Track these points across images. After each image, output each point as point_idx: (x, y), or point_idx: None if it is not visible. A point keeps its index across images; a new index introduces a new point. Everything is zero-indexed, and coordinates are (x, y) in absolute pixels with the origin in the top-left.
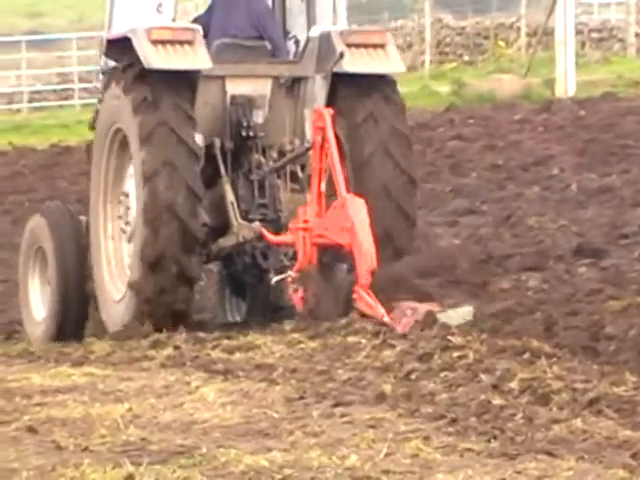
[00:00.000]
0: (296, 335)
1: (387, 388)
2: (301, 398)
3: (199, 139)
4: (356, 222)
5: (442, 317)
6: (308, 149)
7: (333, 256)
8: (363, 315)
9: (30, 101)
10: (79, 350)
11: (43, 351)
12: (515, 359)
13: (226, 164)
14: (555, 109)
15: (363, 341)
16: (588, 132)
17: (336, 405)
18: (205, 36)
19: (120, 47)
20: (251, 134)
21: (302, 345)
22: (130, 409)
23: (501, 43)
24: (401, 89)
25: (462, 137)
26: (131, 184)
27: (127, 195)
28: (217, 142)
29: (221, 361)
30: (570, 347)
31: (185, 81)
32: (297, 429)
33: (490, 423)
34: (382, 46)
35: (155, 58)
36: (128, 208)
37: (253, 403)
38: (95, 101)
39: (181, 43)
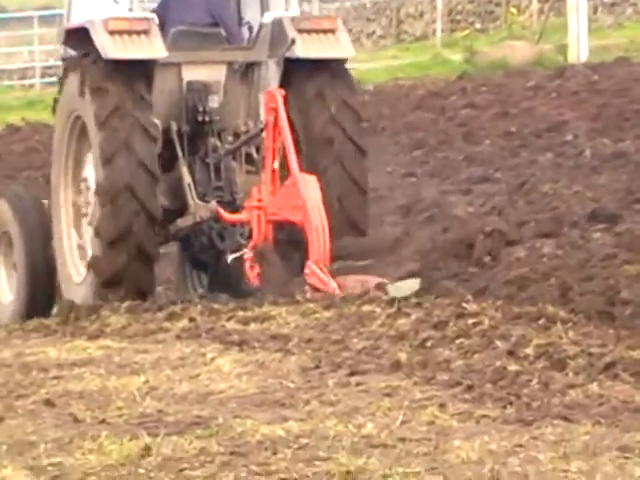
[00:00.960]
0: (311, 305)
1: (402, 356)
2: (316, 367)
3: (156, 124)
4: (307, 199)
5: (391, 289)
6: (262, 130)
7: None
8: (315, 289)
9: (43, 76)
10: (95, 323)
11: (59, 325)
12: (530, 325)
13: (183, 148)
14: (568, 75)
15: (378, 310)
16: (601, 97)
17: (352, 374)
18: (163, 24)
19: (79, 37)
20: (207, 118)
21: (317, 315)
22: (146, 381)
23: (513, 10)
24: (413, 58)
25: (475, 105)
26: (90, 170)
27: (86, 180)
28: (174, 126)
29: (236, 332)
30: (585, 312)
31: (141, 69)
32: (313, 398)
33: (506, 389)
34: (332, 31)
35: (112, 48)
36: (87, 192)
37: (269, 373)
38: None
39: (137, 33)
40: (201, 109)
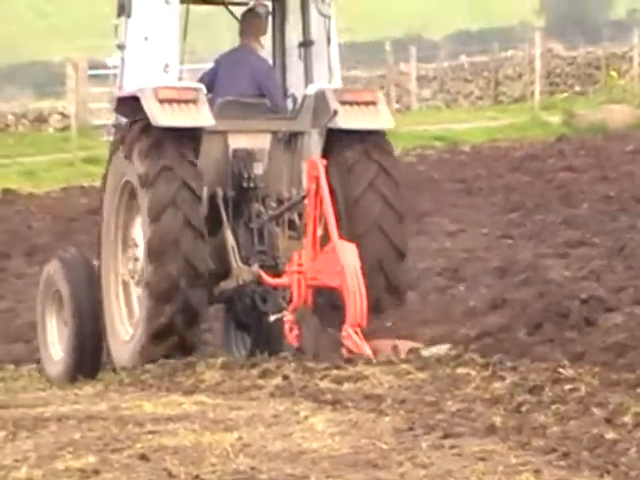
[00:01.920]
0: (405, 366)
1: (497, 420)
2: (410, 429)
3: (201, 184)
4: (345, 265)
5: (424, 352)
6: (304, 197)
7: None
8: (350, 352)
9: None
10: (190, 379)
11: (155, 380)
12: (628, 392)
13: (228, 212)
14: None
15: (472, 372)
16: None
17: (445, 436)
18: (209, 93)
19: (129, 105)
20: (251, 185)
21: (411, 376)
22: (240, 438)
23: (613, 73)
24: (511, 119)
25: (573, 168)
26: (138, 231)
27: (135, 242)
28: (220, 192)
29: (330, 391)
30: None
31: (189, 136)
32: (406, 460)
33: (603, 457)
34: (373, 103)
35: (162, 116)
36: (136, 254)
37: (362, 433)
38: None
39: (186, 102)
40: (246, 176)
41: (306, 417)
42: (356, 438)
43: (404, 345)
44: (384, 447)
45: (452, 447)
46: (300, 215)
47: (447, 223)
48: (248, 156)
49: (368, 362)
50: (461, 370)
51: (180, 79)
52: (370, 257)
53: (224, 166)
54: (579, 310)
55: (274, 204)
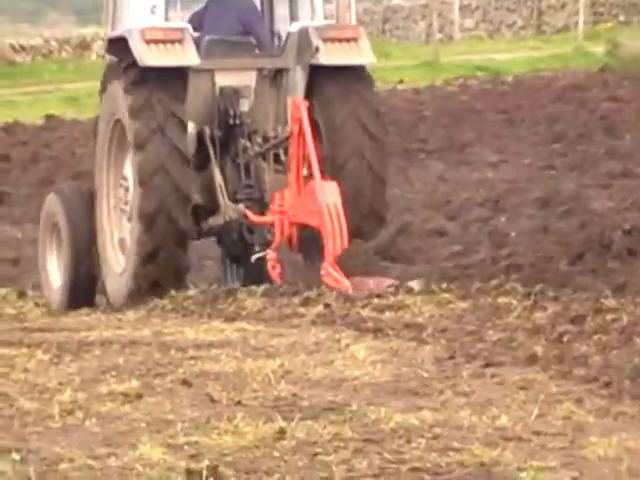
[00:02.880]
0: (446, 295)
1: (538, 350)
2: (451, 358)
3: (191, 127)
4: (323, 206)
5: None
6: (288, 137)
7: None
8: (331, 288)
9: None
10: (231, 306)
11: (197, 306)
12: None
13: (215, 149)
14: None
15: (514, 302)
16: None
17: (486, 365)
18: (198, 31)
19: (119, 45)
20: (237, 122)
21: (452, 305)
22: (281, 365)
23: None
24: (554, 49)
25: (616, 98)
26: (129, 168)
27: (126, 178)
28: (207, 129)
29: (371, 319)
30: None
31: (177, 78)
32: (447, 388)
33: None
34: (355, 40)
35: (148, 56)
36: (127, 189)
37: (403, 362)
38: None
39: (172, 42)
40: (232, 113)
41: (347, 345)
42: (397, 366)
43: (386, 282)
44: (425, 375)
45: (493, 376)
46: (286, 150)
47: (489, 154)
48: (234, 93)
49: (409, 291)
50: (502, 299)
51: (167, 20)
52: (351, 183)
53: (211, 104)
54: (622, 241)
55: (260, 140)
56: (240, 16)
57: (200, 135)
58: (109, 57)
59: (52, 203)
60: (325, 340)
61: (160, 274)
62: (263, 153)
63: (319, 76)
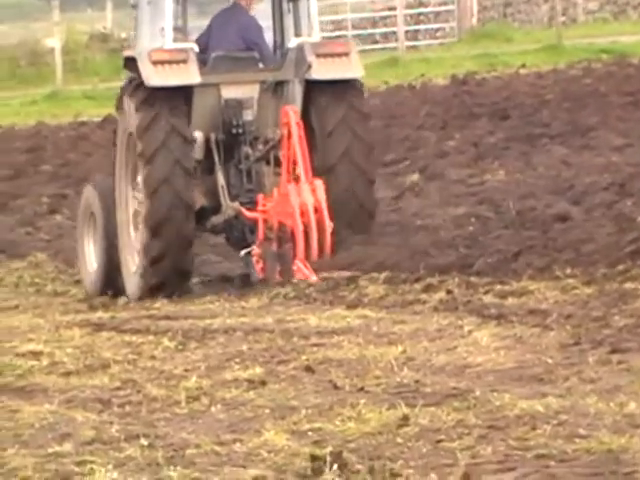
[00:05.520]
0: (571, 281)
1: None
2: (576, 344)
3: (198, 135)
4: (296, 206)
5: None
6: (279, 140)
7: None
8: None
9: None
10: (353, 293)
11: (319, 293)
12: None
13: (219, 155)
14: None
15: None
16: None
17: (613, 352)
18: (205, 50)
19: (132, 64)
20: (241, 130)
21: (577, 291)
22: (404, 351)
23: None
24: None
25: None
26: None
27: (140, 186)
28: (213, 137)
29: (494, 306)
30: None
31: (181, 96)
32: (572, 375)
33: None
34: (346, 54)
35: (154, 77)
36: (140, 196)
37: (527, 348)
38: (368, 47)
39: (177, 62)
40: (235, 122)
41: (470, 331)
42: (521, 353)
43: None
44: (549, 362)
45: (620, 362)
46: None
47: (614, 137)
48: (238, 105)
49: (532, 277)
50: (629, 285)
51: (175, 40)
52: (342, 183)
53: (217, 114)
54: None
55: (261, 146)
56: (242, 33)
57: (207, 142)
58: (126, 73)
59: (89, 193)
60: (447, 326)
61: (165, 276)
62: (261, 159)
63: (314, 88)
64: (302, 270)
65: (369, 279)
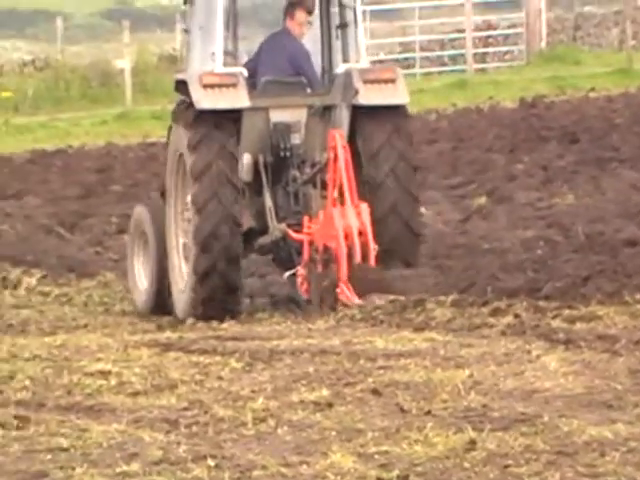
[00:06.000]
0: None
1: None
2: None
3: (247, 157)
4: (340, 229)
5: None
6: (326, 164)
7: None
8: (345, 305)
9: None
10: (420, 316)
11: (386, 316)
12: None
13: (268, 178)
14: None
15: None
16: None
17: None
18: (255, 74)
19: (184, 87)
20: (288, 154)
21: None
22: (471, 375)
23: None
24: None
25: None
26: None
27: (189, 206)
28: (261, 159)
29: (562, 330)
30: None
31: (230, 117)
32: None
33: None
34: (392, 81)
35: (204, 100)
36: (189, 216)
37: (596, 374)
38: (436, 70)
39: (227, 86)
40: (283, 146)
41: (538, 356)
42: (590, 378)
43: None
44: (619, 388)
45: None
46: None
47: None
48: (286, 128)
49: (601, 302)
50: None
51: (225, 65)
52: (386, 203)
53: (265, 138)
54: None
55: (308, 169)
56: (290, 59)
57: (255, 165)
58: (178, 95)
59: (140, 213)
60: (515, 351)
61: (214, 292)
62: (308, 181)
63: (361, 113)
64: (345, 292)
65: (436, 302)
